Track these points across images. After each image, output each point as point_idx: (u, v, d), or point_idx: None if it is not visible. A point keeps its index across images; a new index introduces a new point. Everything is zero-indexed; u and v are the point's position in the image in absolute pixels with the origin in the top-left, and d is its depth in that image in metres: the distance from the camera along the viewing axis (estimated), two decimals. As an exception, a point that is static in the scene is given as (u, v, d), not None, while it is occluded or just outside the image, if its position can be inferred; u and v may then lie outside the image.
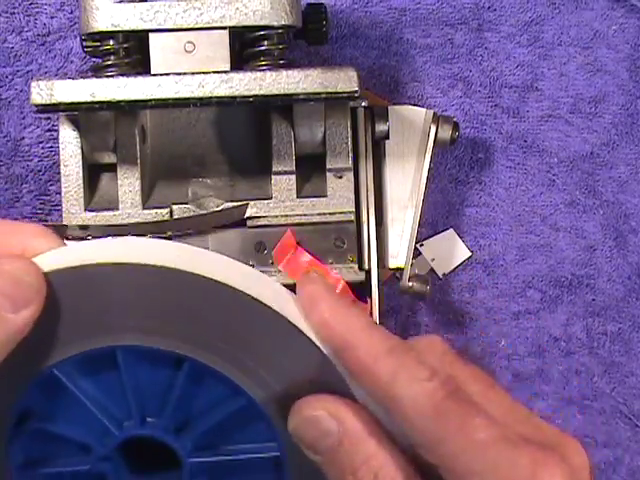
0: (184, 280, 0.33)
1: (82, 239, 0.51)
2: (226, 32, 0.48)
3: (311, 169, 0.54)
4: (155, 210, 0.52)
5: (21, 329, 0.32)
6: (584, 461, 0.32)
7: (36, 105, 0.47)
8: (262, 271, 0.51)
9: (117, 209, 0.52)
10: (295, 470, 0.37)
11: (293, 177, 0.52)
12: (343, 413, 0.34)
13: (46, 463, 0.38)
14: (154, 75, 0.47)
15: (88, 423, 0.36)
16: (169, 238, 0.51)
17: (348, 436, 0.33)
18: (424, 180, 0.55)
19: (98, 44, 0.49)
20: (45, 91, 0.47)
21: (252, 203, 0.52)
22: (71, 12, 0.59)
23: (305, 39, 0.53)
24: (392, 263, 0.54)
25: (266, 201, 0.52)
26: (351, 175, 0.53)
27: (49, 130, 0.58)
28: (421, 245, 0.59)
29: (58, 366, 0.35)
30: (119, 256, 0.33)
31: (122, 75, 0.48)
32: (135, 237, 0.34)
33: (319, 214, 0.53)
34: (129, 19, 0.47)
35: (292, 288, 0.55)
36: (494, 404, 0.33)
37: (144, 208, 0.52)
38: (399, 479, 0.33)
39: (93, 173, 0.53)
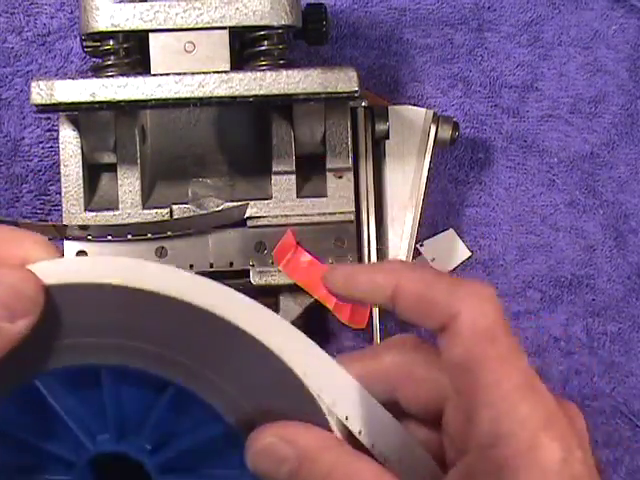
0: (179, 308, 0.33)
1: (82, 239, 0.51)
2: (226, 32, 0.48)
3: (311, 169, 0.54)
4: (155, 210, 0.52)
5: (16, 338, 0.32)
6: (584, 428, 0.33)
7: (36, 105, 0.47)
8: (262, 271, 0.52)
9: (117, 209, 0.52)
10: None
11: (293, 177, 0.52)
12: (295, 435, 0.33)
13: (20, 472, 0.38)
14: (154, 75, 0.47)
15: (63, 435, 0.36)
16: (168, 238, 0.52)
17: (305, 456, 0.32)
18: (424, 180, 0.55)
19: (98, 44, 0.49)
20: (45, 91, 0.47)
21: (252, 203, 0.52)
22: (71, 12, 0.59)
23: (305, 39, 0.53)
24: (392, 263, 0.54)
25: (266, 201, 0.52)
26: (351, 175, 0.53)
27: (49, 130, 0.58)
28: (421, 245, 0.59)
29: (40, 377, 0.35)
30: (117, 278, 0.33)
31: (122, 75, 0.48)
32: (136, 260, 0.34)
33: (319, 214, 0.53)
34: (129, 19, 0.47)
35: (293, 288, 0.55)
36: None
37: (144, 208, 0.52)
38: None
39: (93, 173, 0.53)
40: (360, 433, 0.33)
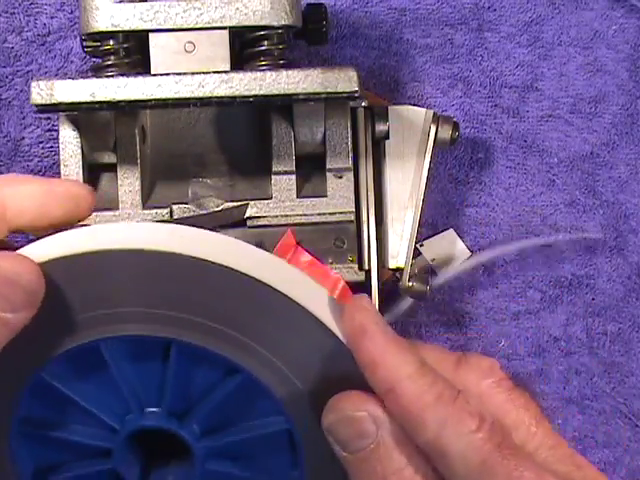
0: (168, 261, 0.32)
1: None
2: (226, 32, 0.48)
3: (311, 169, 0.54)
4: (155, 210, 0.52)
5: (17, 329, 0.32)
6: None
7: (36, 105, 0.47)
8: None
9: (117, 209, 0.52)
10: (308, 443, 0.36)
11: (293, 177, 0.52)
12: (383, 417, 0.33)
13: (58, 469, 0.37)
14: (154, 75, 0.47)
15: (89, 423, 0.36)
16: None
17: (385, 442, 0.32)
18: (424, 180, 0.55)
19: (98, 44, 0.49)
20: (45, 91, 0.47)
21: (252, 203, 0.52)
22: (71, 12, 0.59)
23: (305, 39, 0.53)
24: (392, 263, 0.54)
25: (266, 201, 0.52)
26: (351, 175, 0.53)
27: (49, 130, 0.58)
28: (421, 245, 0.59)
29: (46, 369, 0.34)
30: (102, 243, 0.32)
31: (122, 75, 0.48)
32: (121, 223, 0.33)
33: (319, 214, 0.53)
34: (129, 19, 0.47)
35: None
36: (537, 440, 0.33)
37: (144, 208, 0.52)
38: None
39: (93, 173, 0.53)
40: None
